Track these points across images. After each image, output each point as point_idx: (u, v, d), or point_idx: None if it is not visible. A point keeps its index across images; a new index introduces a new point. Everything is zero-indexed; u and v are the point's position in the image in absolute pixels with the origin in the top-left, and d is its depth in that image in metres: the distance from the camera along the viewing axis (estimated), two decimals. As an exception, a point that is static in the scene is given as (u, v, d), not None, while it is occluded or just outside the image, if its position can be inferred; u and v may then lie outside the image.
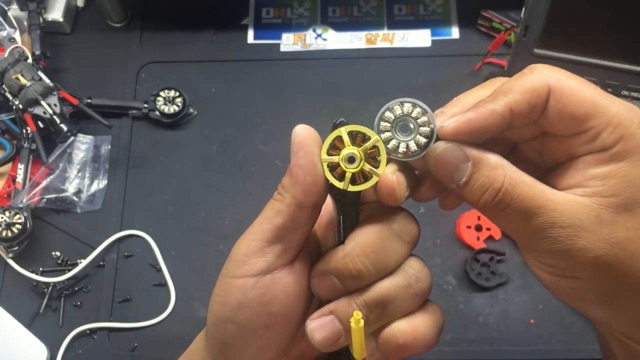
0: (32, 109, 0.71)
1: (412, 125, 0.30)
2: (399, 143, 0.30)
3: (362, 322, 0.30)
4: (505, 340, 0.65)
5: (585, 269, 0.29)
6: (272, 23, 0.85)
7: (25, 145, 0.73)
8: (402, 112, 0.30)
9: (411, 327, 0.32)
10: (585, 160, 0.29)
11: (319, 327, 0.32)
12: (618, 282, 0.29)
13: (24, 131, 0.72)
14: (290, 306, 0.32)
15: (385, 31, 0.83)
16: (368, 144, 0.30)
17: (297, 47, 0.83)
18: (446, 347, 0.66)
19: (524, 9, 0.58)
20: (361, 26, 0.83)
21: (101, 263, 0.71)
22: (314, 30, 0.84)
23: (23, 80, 0.71)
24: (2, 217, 0.68)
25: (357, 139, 0.31)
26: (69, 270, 0.69)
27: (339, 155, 0.31)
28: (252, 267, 0.32)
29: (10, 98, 0.71)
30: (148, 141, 0.78)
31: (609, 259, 0.29)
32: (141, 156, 0.77)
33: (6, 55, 0.73)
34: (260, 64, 0.82)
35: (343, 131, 0.30)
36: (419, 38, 0.82)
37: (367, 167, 0.30)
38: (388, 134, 0.30)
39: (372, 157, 0.31)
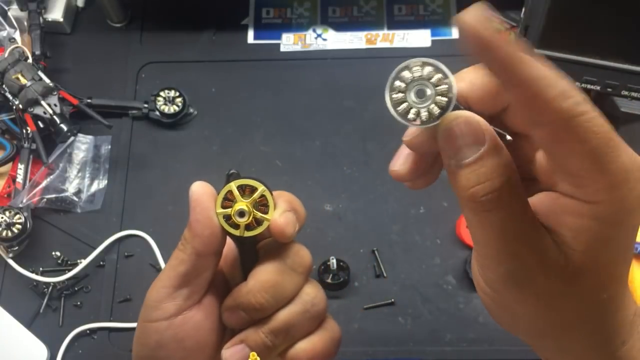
0: (32, 109, 0.71)
1: (429, 92, 0.27)
2: (410, 108, 0.27)
3: (258, 359, 0.36)
4: (505, 340, 0.65)
5: (524, 307, 0.29)
6: (272, 23, 0.85)
7: (26, 145, 0.73)
8: (422, 75, 0.27)
9: (311, 345, 0.37)
10: (567, 203, 0.26)
11: (232, 354, 0.37)
12: (551, 325, 0.29)
13: (24, 131, 0.72)
14: (203, 340, 0.37)
15: (385, 31, 0.83)
16: (255, 195, 0.35)
17: (297, 47, 0.83)
18: (446, 347, 0.66)
19: (524, 9, 0.58)
20: (361, 26, 0.83)
21: (101, 263, 0.71)
22: (314, 30, 0.84)
23: (23, 80, 0.71)
24: (2, 217, 0.68)
25: (247, 190, 0.35)
26: (69, 270, 0.69)
27: (232, 207, 0.34)
28: (164, 312, 0.36)
29: (11, 98, 0.71)
30: (148, 141, 0.78)
31: (550, 311, 0.28)
32: (141, 156, 0.77)
33: (6, 55, 0.73)
34: (260, 64, 0.82)
35: (233, 186, 0.35)
36: (419, 38, 0.82)
37: (258, 214, 0.35)
38: (401, 95, 0.27)
39: (262, 205, 0.35)
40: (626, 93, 0.58)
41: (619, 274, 0.28)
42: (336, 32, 0.83)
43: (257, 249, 0.37)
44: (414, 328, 0.67)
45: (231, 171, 0.35)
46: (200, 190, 0.35)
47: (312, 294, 0.37)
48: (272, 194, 0.35)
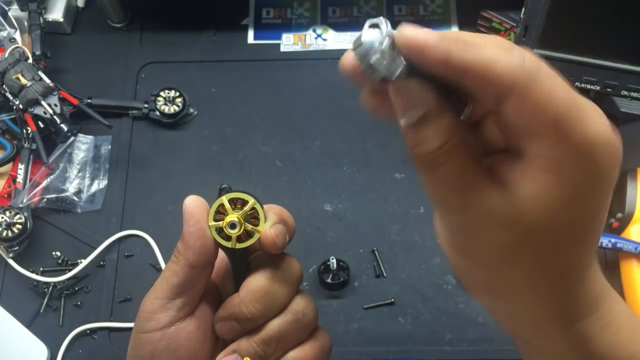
0: (32, 109, 0.71)
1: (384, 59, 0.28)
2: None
3: None
4: (505, 340, 0.65)
5: (478, 263, 0.30)
6: (272, 23, 0.85)
7: (26, 145, 0.73)
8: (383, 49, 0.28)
9: (302, 354, 0.38)
10: (527, 162, 0.27)
11: None
12: (504, 284, 0.30)
13: (24, 131, 0.72)
14: (195, 350, 0.38)
15: (385, 31, 0.83)
16: (246, 208, 0.36)
17: (297, 47, 0.83)
18: (446, 347, 0.66)
19: (524, 9, 0.58)
20: (361, 26, 0.83)
21: (101, 263, 0.71)
22: (314, 31, 0.84)
23: (23, 81, 0.71)
24: (2, 217, 0.68)
25: (238, 203, 0.36)
26: (69, 270, 0.69)
27: (224, 220, 0.35)
28: (158, 323, 0.37)
29: (11, 98, 0.71)
30: (148, 141, 0.78)
31: (503, 268, 0.29)
32: (141, 156, 0.77)
33: (6, 55, 0.73)
34: (260, 64, 0.82)
35: (224, 199, 0.36)
36: (419, 38, 0.82)
37: (249, 226, 0.36)
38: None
39: (253, 217, 0.36)
40: (626, 93, 0.58)
41: (581, 236, 0.28)
42: (336, 32, 0.83)
43: (248, 260, 0.38)
44: (414, 328, 0.67)
45: (223, 185, 0.37)
46: (193, 203, 0.36)
47: (302, 304, 0.38)
48: (262, 207, 0.36)
